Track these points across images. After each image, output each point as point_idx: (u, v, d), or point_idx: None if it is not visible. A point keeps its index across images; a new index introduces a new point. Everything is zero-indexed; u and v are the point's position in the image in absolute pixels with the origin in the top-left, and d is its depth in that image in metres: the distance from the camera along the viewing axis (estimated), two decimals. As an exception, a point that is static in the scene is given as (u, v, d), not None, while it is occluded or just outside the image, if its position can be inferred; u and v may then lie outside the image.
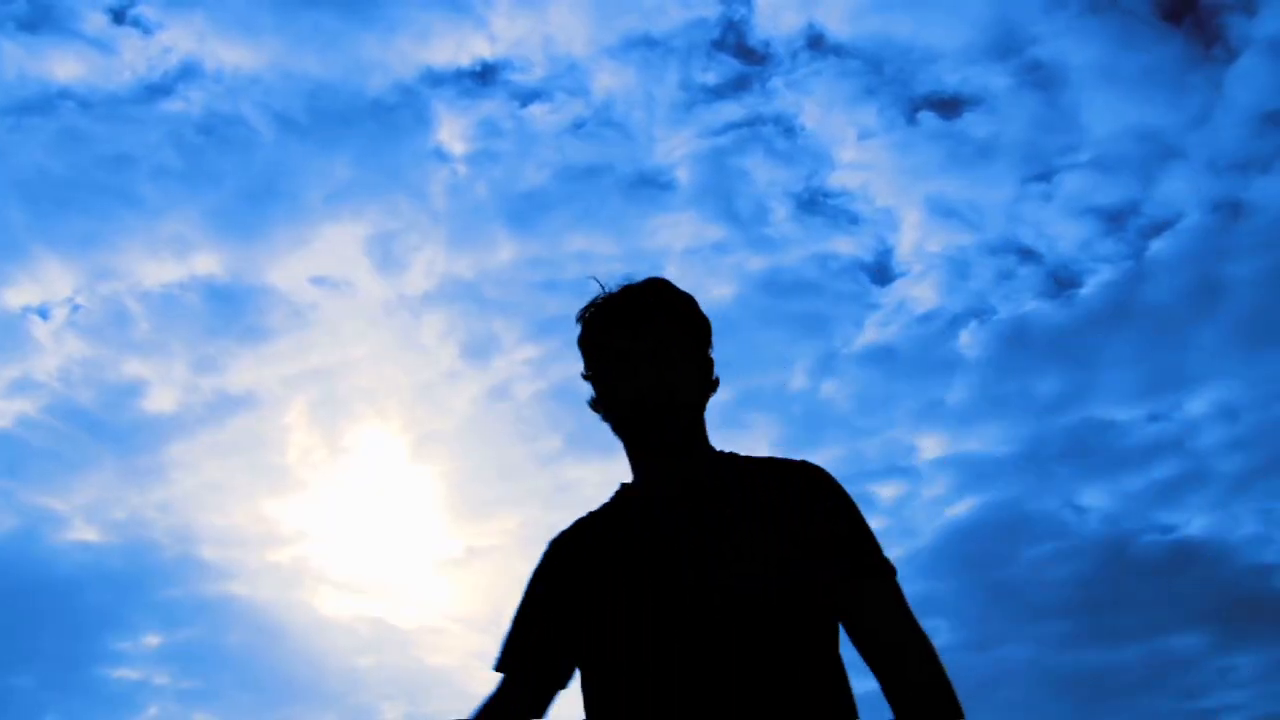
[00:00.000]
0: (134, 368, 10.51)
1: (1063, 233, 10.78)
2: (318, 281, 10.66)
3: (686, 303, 1.55)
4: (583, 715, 1.49)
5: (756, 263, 11.02)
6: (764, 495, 1.47)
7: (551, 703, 1.56)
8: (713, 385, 1.57)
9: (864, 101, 10.42)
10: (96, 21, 9.49)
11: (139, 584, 10.35)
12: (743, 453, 1.59)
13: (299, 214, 10.47)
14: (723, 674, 1.32)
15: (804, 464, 1.53)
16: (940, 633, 10.66)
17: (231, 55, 9.83)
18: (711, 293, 11.01)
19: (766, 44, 10.29)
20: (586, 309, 1.57)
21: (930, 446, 11.15)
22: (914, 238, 11.05)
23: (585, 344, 1.57)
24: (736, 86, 10.37)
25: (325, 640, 10.92)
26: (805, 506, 1.45)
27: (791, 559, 1.40)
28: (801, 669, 1.35)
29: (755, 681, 1.32)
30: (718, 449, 1.58)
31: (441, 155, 10.62)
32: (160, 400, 10.58)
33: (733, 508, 1.45)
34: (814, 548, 1.42)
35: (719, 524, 1.43)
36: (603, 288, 1.56)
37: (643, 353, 1.48)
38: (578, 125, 10.62)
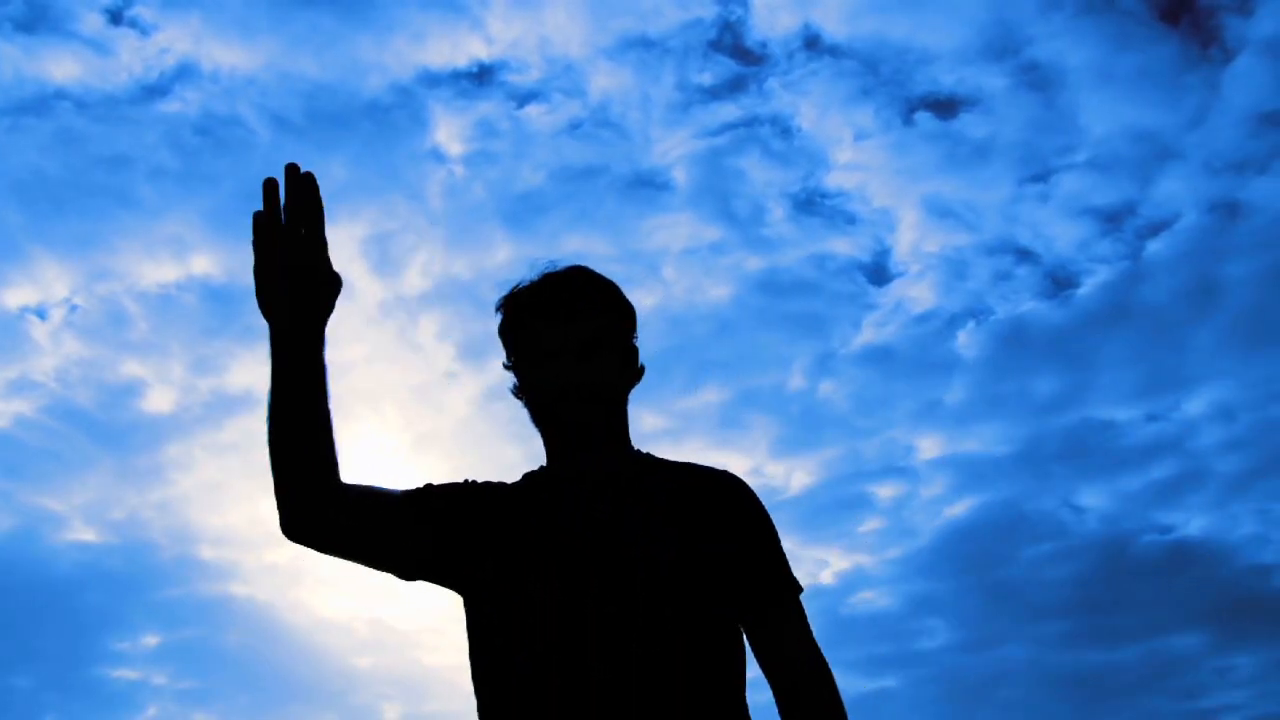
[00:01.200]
0: (132, 368, 10.52)
1: (1060, 233, 10.79)
2: (315, 282, 10.63)
3: (609, 291, 1.52)
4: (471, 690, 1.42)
5: (754, 263, 11.01)
6: (682, 499, 1.44)
7: (379, 557, 1.45)
8: (637, 375, 1.54)
9: (860, 102, 10.42)
10: (93, 22, 9.49)
11: (137, 584, 10.36)
12: (658, 454, 1.55)
13: (297, 214, 10.44)
14: (649, 665, 1.31)
15: (724, 473, 1.52)
16: (939, 633, 10.66)
17: (228, 56, 9.83)
18: (709, 293, 11.02)
19: (763, 45, 10.30)
20: (507, 298, 1.53)
21: (928, 447, 11.16)
22: (911, 238, 11.05)
23: (505, 333, 1.54)
24: (733, 87, 10.38)
25: (324, 640, 10.93)
26: (721, 516, 1.44)
27: (706, 567, 1.39)
28: (711, 669, 1.35)
29: (671, 677, 1.31)
30: (636, 448, 1.54)
31: (438, 156, 10.62)
32: (158, 400, 10.59)
33: (655, 507, 1.42)
34: (726, 559, 1.41)
35: (647, 522, 1.40)
36: (525, 279, 1.52)
37: (559, 343, 1.45)
38: (574, 126, 10.63)
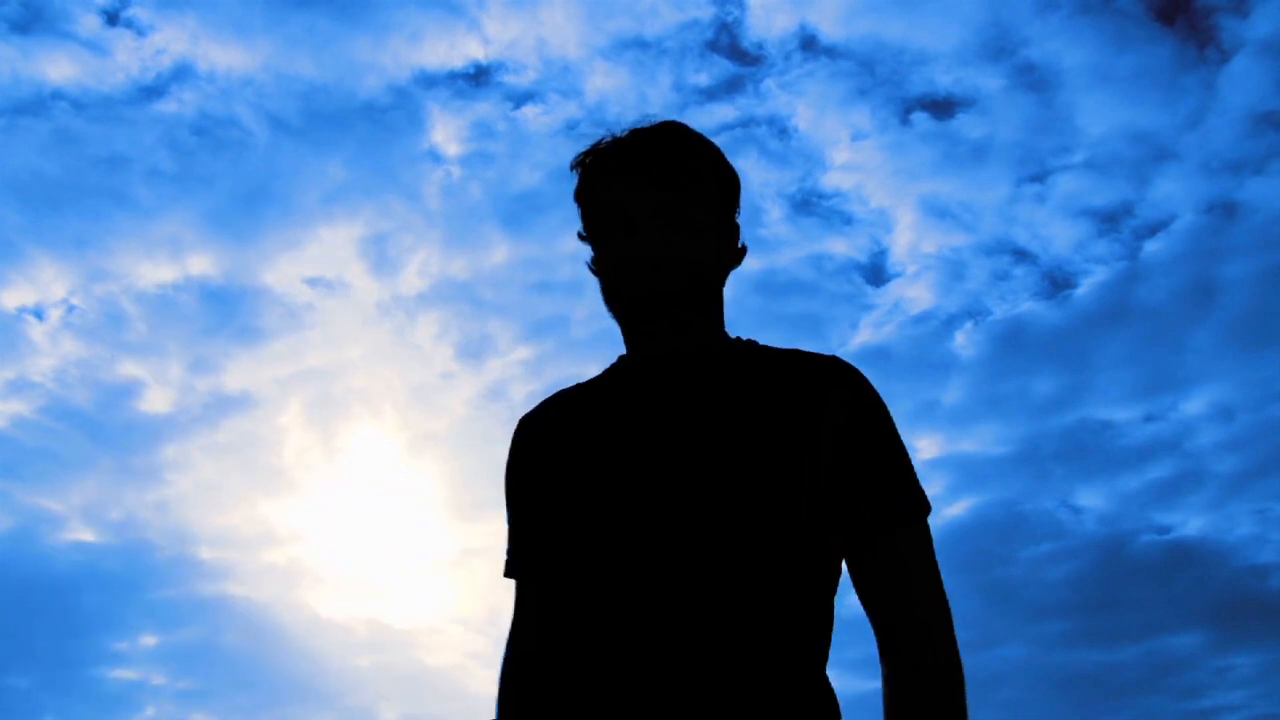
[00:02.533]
0: (129, 368, 10.49)
1: (1057, 234, 10.76)
2: (312, 283, 10.63)
3: (709, 154, 1.29)
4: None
5: (751, 263, 10.88)
6: (778, 391, 1.19)
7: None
8: (736, 256, 1.33)
9: (857, 103, 10.39)
10: (89, 23, 9.46)
11: (135, 584, 10.33)
12: (763, 342, 1.32)
13: (293, 215, 10.45)
14: (708, 602, 1.08)
15: (833, 360, 1.24)
16: (937, 633, 10.65)
17: (224, 57, 9.80)
18: (707, 293, 11.00)
19: (759, 46, 10.26)
20: (586, 154, 1.30)
21: (926, 447, 11.12)
22: (908, 239, 11.03)
23: (581, 196, 1.31)
24: (730, 88, 10.35)
25: (322, 640, 10.91)
26: (828, 413, 1.17)
27: (793, 474, 1.13)
28: (784, 609, 1.12)
29: (730, 617, 1.09)
30: (734, 335, 1.33)
31: (435, 157, 10.59)
32: (156, 401, 10.56)
33: (740, 401, 1.18)
34: (829, 467, 1.15)
35: (724, 420, 1.16)
36: (609, 134, 1.30)
37: (644, 211, 1.22)
38: (571, 126, 10.59)
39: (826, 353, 1.25)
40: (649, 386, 1.23)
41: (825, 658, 1.16)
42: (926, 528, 1.17)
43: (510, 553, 1.34)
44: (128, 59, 9.61)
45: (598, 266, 1.31)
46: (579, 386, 1.34)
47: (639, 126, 1.28)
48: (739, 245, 1.33)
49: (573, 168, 1.31)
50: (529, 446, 1.33)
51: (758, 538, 1.11)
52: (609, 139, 1.29)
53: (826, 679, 1.16)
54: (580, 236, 1.34)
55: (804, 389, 1.19)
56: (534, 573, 1.27)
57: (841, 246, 10.90)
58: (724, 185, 1.31)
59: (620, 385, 1.27)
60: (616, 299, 1.29)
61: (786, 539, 1.13)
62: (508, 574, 1.34)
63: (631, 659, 1.09)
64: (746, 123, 10.45)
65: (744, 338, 1.33)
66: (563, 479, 1.22)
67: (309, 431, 11.07)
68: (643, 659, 1.08)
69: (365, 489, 11.44)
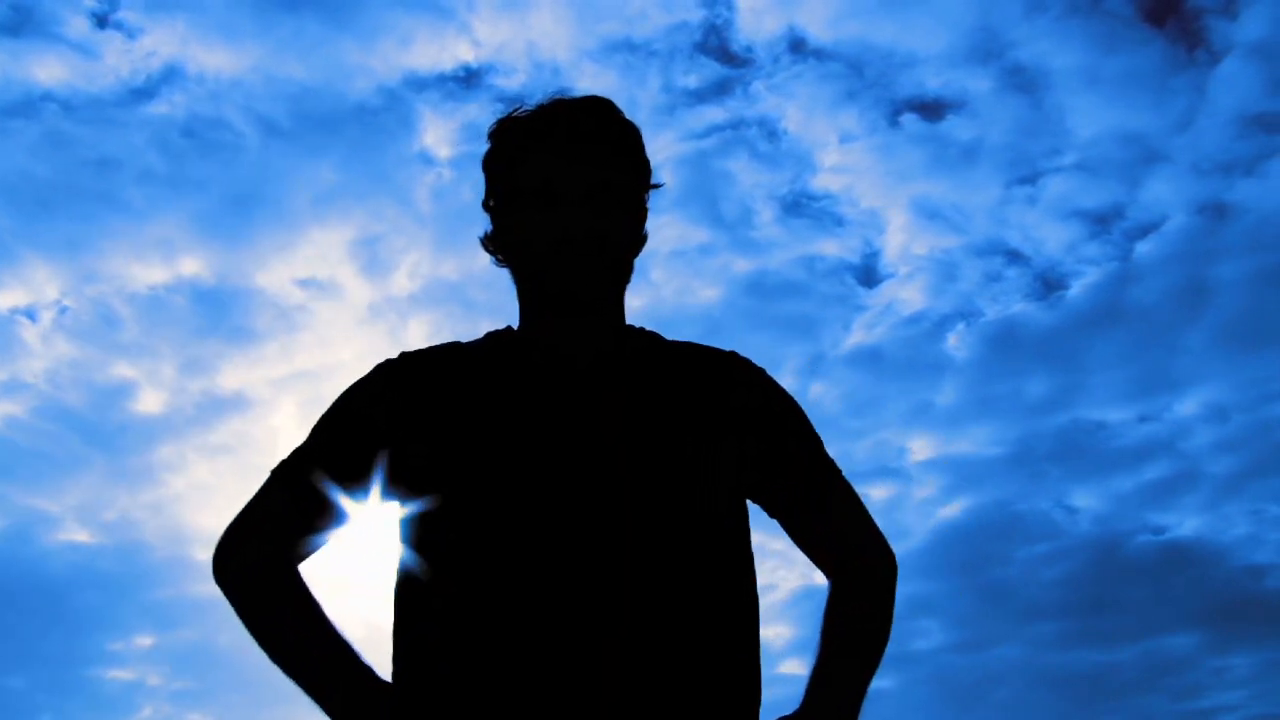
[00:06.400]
0: (122, 370, 10.48)
1: (1049, 235, 10.78)
2: (304, 284, 10.62)
3: (634, 135, 1.27)
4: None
5: (742, 265, 10.99)
6: (689, 383, 1.23)
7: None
8: (641, 241, 1.30)
9: (846, 105, 10.41)
10: (79, 25, 9.44)
11: (131, 585, 10.33)
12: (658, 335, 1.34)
13: (284, 217, 10.44)
14: (646, 585, 1.10)
15: (733, 355, 1.32)
16: (933, 633, 10.63)
17: (214, 59, 9.79)
18: (698, 295, 11.01)
19: (748, 48, 10.26)
20: (505, 121, 1.26)
21: (920, 448, 11.15)
22: (900, 240, 11.05)
23: (495, 166, 1.27)
24: (719, 90, 10.35)
25: (317, 643, 10.91)
26: (737, 403, 1.25)
27: (718, 459, 1.19)
28: (717, 581, 1.15)
29: (673, 597, 1.11)
30: (633, 324, 1.31)
31: (426, 159, 10.59)
32: (149, 402, 10.56)
33: (659, 393, 1.21)
34: (749, 451, 1.24)
35: (647, 409, 1.19)
36: (525, 105, 1.26)
37: (574, 185, 1.19)
38: (563, 128, 10.62)
39: (724, 348, 1.33)
40: (573, 379, 1.21)
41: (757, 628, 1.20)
42: (847, 481, 1.34)
43: (320, 459, 1.28)
44: (117, 61, 9.60)
45: (503, 240, 1.27)
46: (473, 351, 1.28)
47: (562, 97, 1.25)
48: (644, 232, 1.32)
49: (490, 135, 1.27)
50: (423, 393, 1.23)
51: (687, 529, 1.14)
52: (531, 108, 1.25)
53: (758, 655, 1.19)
54: (486, 207, 1.29)
55: (724, 385, 1.27)
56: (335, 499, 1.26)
57: (833, 248, 10.93)
58: (644, 168, 1.30)
59: (533, 371, 1.22)
60: (529, 274, 1.25)
61: (710, 528, 1.17)
62: (284, 472, 1.30)
63: (571, 648, 1.07)
64: (736, 124, 10.47)
65: (640, 326, 1.32)
66: (478, 455, 1.16)
67: (302, 432, 11.03)
68: (583, 648, 1.07)
69: (360, 491, 11.42)
